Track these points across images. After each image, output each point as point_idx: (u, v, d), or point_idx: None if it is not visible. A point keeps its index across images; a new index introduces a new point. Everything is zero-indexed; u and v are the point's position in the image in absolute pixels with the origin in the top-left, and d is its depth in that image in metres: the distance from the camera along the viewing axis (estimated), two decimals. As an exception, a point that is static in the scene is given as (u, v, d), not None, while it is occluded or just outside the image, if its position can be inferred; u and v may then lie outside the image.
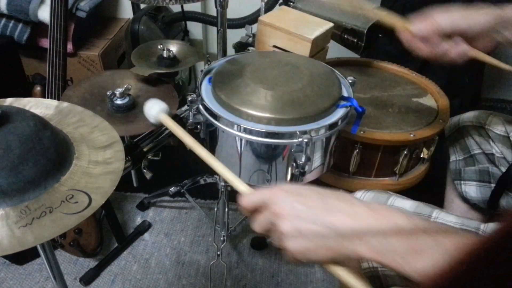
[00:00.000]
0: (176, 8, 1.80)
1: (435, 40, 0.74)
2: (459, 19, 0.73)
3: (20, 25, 1.57)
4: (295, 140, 0.76)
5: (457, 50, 0.74)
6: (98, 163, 0.61)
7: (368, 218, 0.47)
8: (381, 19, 0.83)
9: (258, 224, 0.53)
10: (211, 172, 1.41)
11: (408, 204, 0.76)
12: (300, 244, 0.49)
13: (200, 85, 0.87)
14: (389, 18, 0.81)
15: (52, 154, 0.57)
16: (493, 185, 0.94)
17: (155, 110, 0.76)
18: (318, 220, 0.49)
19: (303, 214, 0.49)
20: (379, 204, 0.50)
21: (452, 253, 0.41)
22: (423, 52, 0.76)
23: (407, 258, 0.44)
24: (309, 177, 0.85)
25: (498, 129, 0.94)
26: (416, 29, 0.75)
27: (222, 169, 0.62)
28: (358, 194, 0.81)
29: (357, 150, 0.95)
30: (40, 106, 0.69)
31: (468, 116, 1.02)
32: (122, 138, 0.69)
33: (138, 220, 1.53)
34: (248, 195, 0.55)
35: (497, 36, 0.74)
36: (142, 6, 1.77)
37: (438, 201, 1.13)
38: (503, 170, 0.93)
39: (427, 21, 0.74)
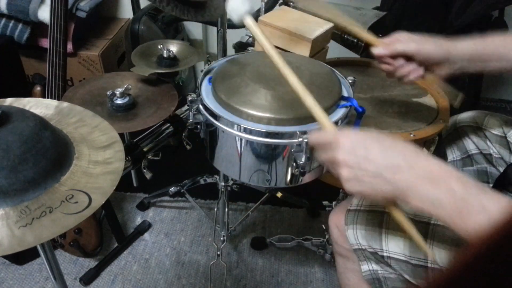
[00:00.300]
0: (176, 8, 1.80)
1: (392, 62, 0.83)
2: (412, 48, 0.80)
3: (20, 25, 1.57)
4: (295, 140, 0.76)
5: (411, 72, 0.83)
6: (98, 163, 0.61)
7: (426, 181, 0.52)
8: (356, 33, 0.92)
9: (321, 158, 0.61)
10: (211, 172, 1.41)
11: (408, 207, 0.76)
12: (356, 188, 0.57)
13: (200, 85, 0.87)
14: (363, 35, 0.90)
15: (52, 154, 0.57)
16: (491, 185, 0.94)
17: (240, 11, 0.72)
18: (378, 174, 0.55)
19: (364, 166, 0.56)
20: (438, 162, 0.54)
21: (496, 217, 0.46)
22: (385, 69, 0.86)
23: (453, 218, 0.50)
24: (309, 177, 0.85)
25: (495, 129, 0.94)
26: (376, 51, 0.84)
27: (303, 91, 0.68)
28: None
29: (357, 150, 0.95)
30: (40, 106, 0.69)
31: (465, 116, 1.02)
32: (122, 138, 0.69)
33: (138, 220, 1.53)
34: (315, 134, 0.63)
35: (451, 66, 0.80)
36: (143, 6, 1.77)
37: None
38: (501, 170, 0.92)
39: (386, 46, 0.83)
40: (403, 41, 0.82)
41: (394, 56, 0.83)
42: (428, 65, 0.82)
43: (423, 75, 0.83)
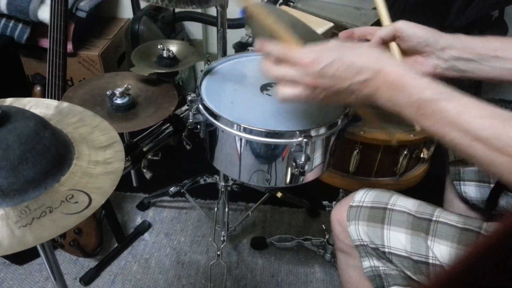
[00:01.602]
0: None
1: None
2: (398, 25, 0.75)
3: (20, 25, 1.57)
4: (295, 140, 0.76)
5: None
6: (98, 163, 0.61)
7: (389, 87, 0.58)
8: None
9: (285, 75, 0.63)
10: (211, 172, 1.41)
11: (410, 203, 0.76)
12: (333, 101, 0.63)
13: (200, 85, 0.87)
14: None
15: (52, 154, 0.57)
16: (492, 185, 0.93)
17: None
18: (350, 90, 0.60)
19: (338, 84, 0.60)
20: (398, 69, 0.59)
21: (455, 122, 0.53)
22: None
23: (414, 117, 0.58)
24: (309, 176, 0.85)
25: None
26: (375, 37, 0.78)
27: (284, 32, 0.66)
28: (361, 193, 0.81)
29: (357, 150, 0.95)
30: (40, 106, 0.69)
31: None
32: (122, 137, 0.69)
33: (138, 220, 1.53)
34: (278, 48, 0.64)
35: (439, 62, 0.73)
36: (142, 6, 1.77)
37: (438, 201, 1.13)
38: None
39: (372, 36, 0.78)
40: (386, 27, 0.76)
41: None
42: (411, 50, 0.75)
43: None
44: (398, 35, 0.74)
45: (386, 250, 0.75)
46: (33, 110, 0.65)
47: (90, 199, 0.55)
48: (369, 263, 0.78)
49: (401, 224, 0.74)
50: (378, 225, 0.75)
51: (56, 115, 0.68)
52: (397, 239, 0.74)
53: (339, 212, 0.82)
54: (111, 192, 0.57)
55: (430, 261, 0.70)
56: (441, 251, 0.69)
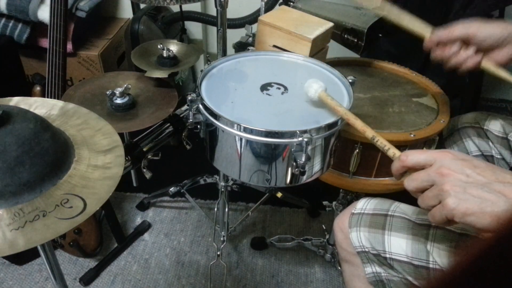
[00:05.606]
0: (176, 8, 1.80)
1: (450, 47, 0.80)
2: (473, 29, 0.77)
3: (19, 25, 1.57)
4: (295, 140, 0.75)
5: (468, 58, 0.79)
6: (97, 167, 0.60)
7: None
8: (404, 24, 0.88)
9: (415, 181, 0.56)
10: (211, 172, 1.41)
11: (410, 210, 0.77)
12: (463, 205, 0.50)
13: (200, 84, 0.87)
14: (413, 24, 0.87)
15: (50, 157, 0.56)
16: None
17: (314, 88, 0.79)
18: (489, 187, 0.50)
19: (473, 178, 0.51)
20: None
21: None
22: (437, 56, 0.82)
23: None
24: (309, 176, 0.85)
25: (496, 130, 0.94)
26: (433, 35, 0.82)
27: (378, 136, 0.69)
28: (362, 201, 0.81)
29: (357, 150, 0.94)
30: (46, 106, 0.68)
31: (467, 117, 1.02)
32: (122, 137, 0.69)
33: (138, 220, 1.52)
34: (413, 153, 0.58)
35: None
36: (142, 6, 1.77)
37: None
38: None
39: (445, 29, 0.80)
40: (461, 26, 0.78)
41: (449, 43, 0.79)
42: (486, 49, 0.78)
43: (480, 62, 0.79)
44: (471, 38, 0.78)
45: (388, 256, 0.74)
46: (38, 110, 0.64)
47: (85, 205, 0.54)
48: (371, 269, 0.78)
49: (401, 230, 0.74)
50: (379, 231, 0.76)
51: (60, 116, 0.67)
52: (398, 245, 0.74)
53: (341, 220, 0.82)
54: (107, 198, 0.56)
55: (431, 265, 0.71)
56: (440, 256, 0.70)
